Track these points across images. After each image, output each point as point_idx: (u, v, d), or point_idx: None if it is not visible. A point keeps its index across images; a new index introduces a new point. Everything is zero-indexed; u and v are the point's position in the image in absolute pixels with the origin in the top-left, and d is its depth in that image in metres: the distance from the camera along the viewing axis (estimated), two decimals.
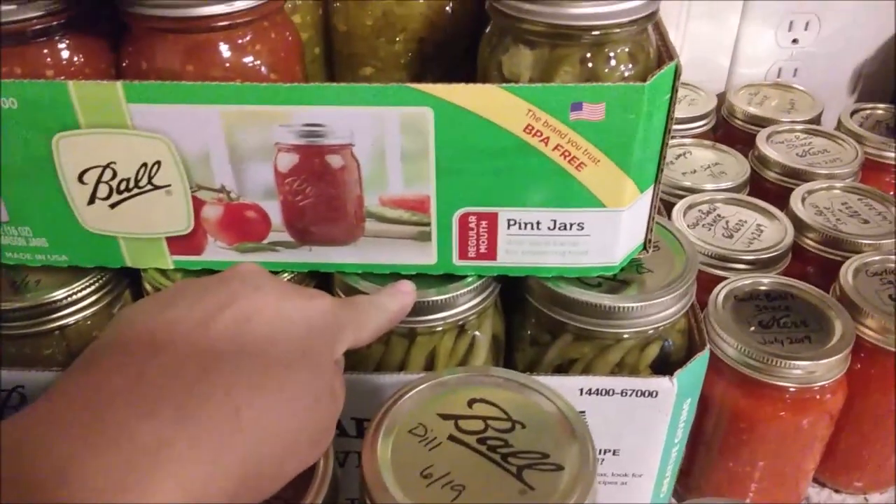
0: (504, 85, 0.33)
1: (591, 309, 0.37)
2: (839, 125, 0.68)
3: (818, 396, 0.43)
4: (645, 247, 0.40)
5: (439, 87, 0.33)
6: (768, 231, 0.53)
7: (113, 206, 0.36)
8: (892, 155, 0.64)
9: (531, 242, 0.37)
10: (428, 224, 0.37)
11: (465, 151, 0.34)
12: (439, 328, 0.38)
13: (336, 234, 0.38)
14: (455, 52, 0.44)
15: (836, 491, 0.52)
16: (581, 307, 0.37)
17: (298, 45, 0.39)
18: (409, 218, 0.37)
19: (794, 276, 0.49)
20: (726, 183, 0.58)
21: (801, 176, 0.60)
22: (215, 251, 0.38)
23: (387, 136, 0.34)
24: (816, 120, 0.70)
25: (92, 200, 0.36)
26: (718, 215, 0.54)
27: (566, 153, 0.34)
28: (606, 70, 0.35)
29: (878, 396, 0.45)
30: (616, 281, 0.39)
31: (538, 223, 0.37)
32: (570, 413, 0.31)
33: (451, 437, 0.30)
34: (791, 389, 0.42)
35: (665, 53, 0.36)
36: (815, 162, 0.61)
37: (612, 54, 0.34)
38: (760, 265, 0.50)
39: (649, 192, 0.37)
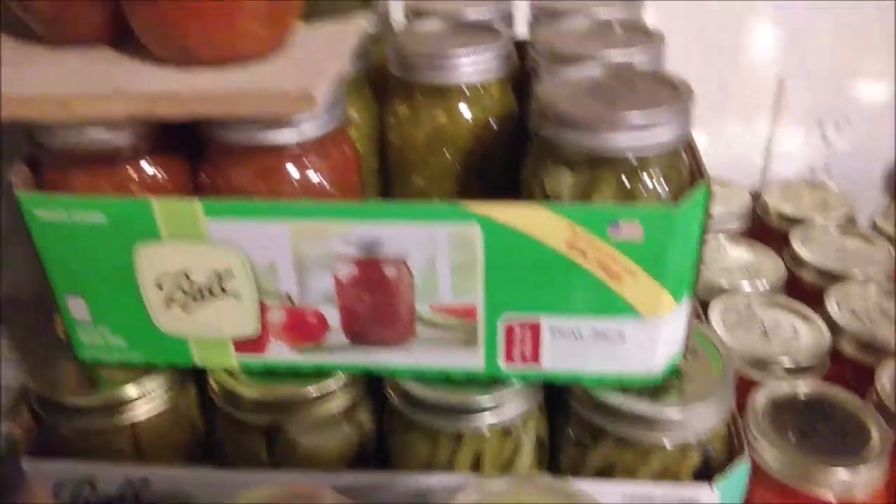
0: (546, 204, 0.36)
1: (631, 418, 0.38)
2: (874, 225, 0.69)
3: None
4: (683, 355, 0.41)
5: (486, 206, 0.36)
6: (805, 333, 0.54)
7: (187, 310, 0.40)
8: None
9: (574, 349, 0.39)
10: (475, 330, 0.39)
11: (511, 265, 0.37)
12: (485, 431, 0.40)
13: (389, 337, 0.40)
14: (499, 163, 0.47)
15: None
16: (622, 415, 0.39)
17: (357, 158, 0.43)
18: (458, 324, 0.39)
19: (832, 377, 0.50)
20: (761, 282, 0.60)
21: (835, 276, 0.61)
22: (276, 350, 0.41)
23: (438, 250, 0.37)
24: (850, 219, 0.71)
25: (167, 305, 0.40)
26: (754, 316, 0.55)
27: (605, 267, 0.36)
28: (642, 190, 0.37)
29: None
30: (655, 386, 0.40)
31: (580, 331, 0.39)
32: None
33: None
34: (831, 500, 0.42)
35: (696, 171, 0.39)
36: (849, 262, 0.62)
37: (647, 176, 0.37)
38: (798, 370, 0.51)
39: (685, 301, 0.39)
